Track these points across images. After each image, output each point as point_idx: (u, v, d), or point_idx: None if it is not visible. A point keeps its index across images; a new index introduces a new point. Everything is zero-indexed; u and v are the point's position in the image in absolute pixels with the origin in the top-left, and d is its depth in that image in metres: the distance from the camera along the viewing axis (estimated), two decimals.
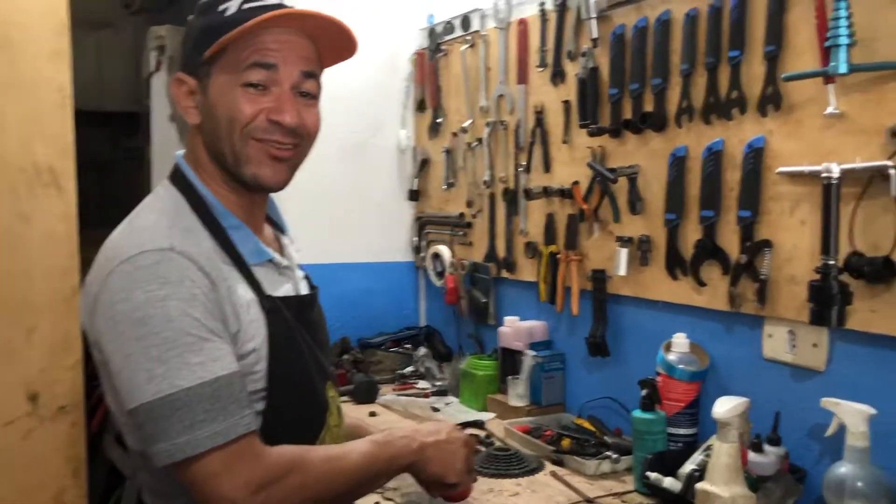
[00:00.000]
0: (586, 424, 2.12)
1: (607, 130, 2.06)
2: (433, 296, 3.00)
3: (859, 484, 1.43)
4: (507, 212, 2.50)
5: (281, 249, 1.34)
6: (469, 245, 2.71)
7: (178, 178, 1.23)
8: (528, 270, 2.43)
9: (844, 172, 1.49)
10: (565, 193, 2.22)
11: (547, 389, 2.29)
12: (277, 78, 1.17)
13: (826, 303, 1.50)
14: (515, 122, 2.44)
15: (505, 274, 2.53)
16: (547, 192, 2.26)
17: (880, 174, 1.45)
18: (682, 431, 1.84)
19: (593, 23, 2.08)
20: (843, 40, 1.46)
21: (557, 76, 2.27)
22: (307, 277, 1.39)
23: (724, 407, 1.45)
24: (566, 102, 2.23)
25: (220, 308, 1.10)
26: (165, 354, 1.03)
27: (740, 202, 1.74)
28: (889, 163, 1.42)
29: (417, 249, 3.00)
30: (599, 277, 2.12)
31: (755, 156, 1.70)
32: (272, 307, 1.18)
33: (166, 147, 3.42)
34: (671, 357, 1.86)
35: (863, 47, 1.47)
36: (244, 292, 1.15)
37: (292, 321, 1.21)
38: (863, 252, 1.49)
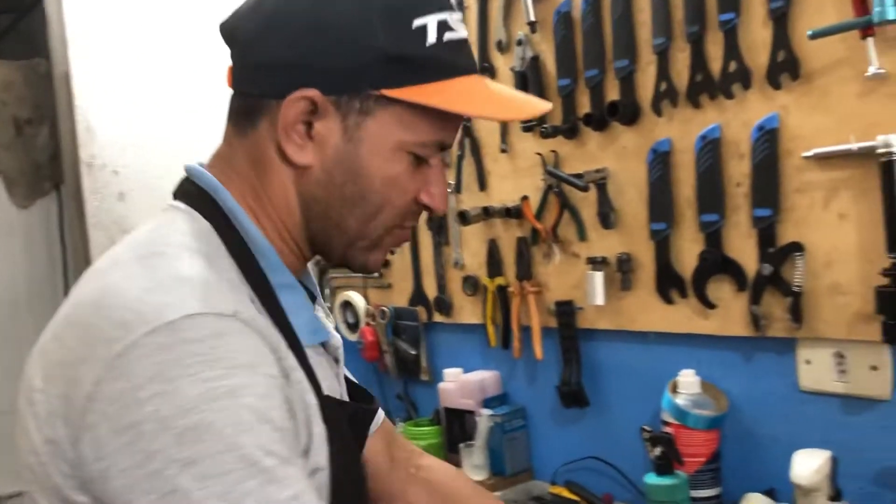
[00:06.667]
0: (566, 493, 1.73)
1: (562, 130, 1.69)
2: (347, 353, 2.52)
3: None
4: (434, 242, 2.08)
5: None
6: (388, 287, 2.27)
7: (202, 202, 0.80)
8: (468, 311, 2.01)
9: None
10: (511, 212, 1.82)
11: (510, 455, 1.87)
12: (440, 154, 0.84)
13: None
14: None
15: (438, 318, 2.11)
16: (488, 213, 1.86)
17: None
18: (704, 494, 1.47)
19: (529, 3, 1.72)
20: None
21: (486, 73, 1.89)
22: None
23: (808, 468, 1.08)
24: None
25: (293, 410, 0.73)
26: (234, 491, 0.62)
27: (754, 199, 1.40)
28: None
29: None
30: (566, 310, 1.73)
31: (768, 139, 1.37)
32: (331, 415, 0.80)
33: None
34: (680, 400, 1.49)
35: None
36: (308, 388, 0.78)
37: (348, 433, 0.85)
38: None
